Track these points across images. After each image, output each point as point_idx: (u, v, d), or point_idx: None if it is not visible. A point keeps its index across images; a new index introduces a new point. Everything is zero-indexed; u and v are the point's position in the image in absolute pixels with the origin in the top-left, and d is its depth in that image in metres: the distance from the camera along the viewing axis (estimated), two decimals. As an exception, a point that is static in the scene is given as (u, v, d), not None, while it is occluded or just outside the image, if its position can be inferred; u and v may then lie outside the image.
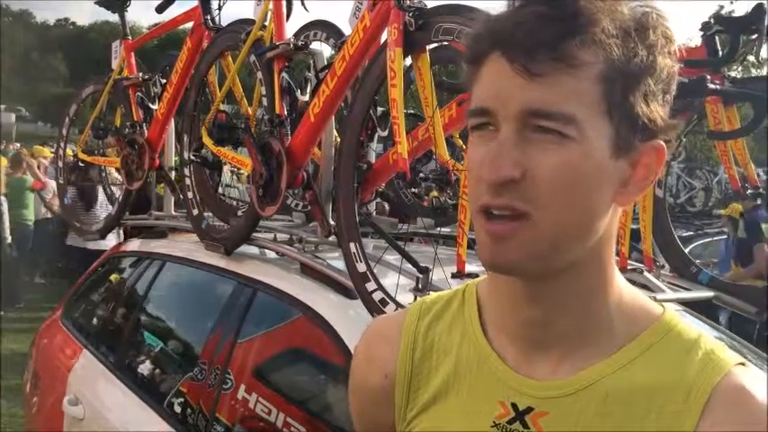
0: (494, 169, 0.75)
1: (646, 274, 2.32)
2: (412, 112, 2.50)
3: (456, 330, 0.91)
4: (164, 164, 3.43)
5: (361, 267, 2.02)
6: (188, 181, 2.93)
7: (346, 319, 2.02)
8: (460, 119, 2.24)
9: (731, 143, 2.38)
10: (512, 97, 0.75)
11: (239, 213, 3.00)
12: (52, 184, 8.12)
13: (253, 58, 2.60)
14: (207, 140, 2.79)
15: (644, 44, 0.76)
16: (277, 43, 2.50)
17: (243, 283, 2.42)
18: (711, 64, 2.28)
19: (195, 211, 2.87)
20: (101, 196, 6.15)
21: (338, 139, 2.52)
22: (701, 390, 0.78)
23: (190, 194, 2.91)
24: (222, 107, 2.87)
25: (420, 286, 1.90)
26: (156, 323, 2.98)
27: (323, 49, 2.89)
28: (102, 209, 6.10)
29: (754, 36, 2.24)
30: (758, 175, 2.45)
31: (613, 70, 0.75)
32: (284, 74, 2.46)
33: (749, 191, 2.41)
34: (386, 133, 2.40)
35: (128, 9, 3.69)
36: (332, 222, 2.35)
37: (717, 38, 2.32)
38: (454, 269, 1.93)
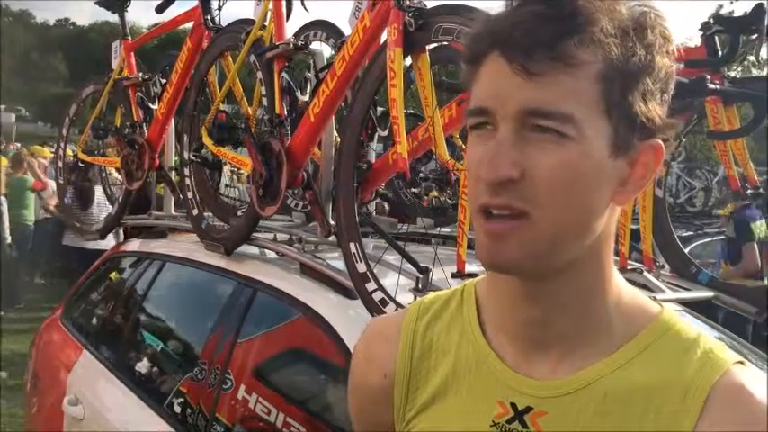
0: (492, 169, 0.75)
1: (645, 274, 2.32)
2: (412, 111, 2.50)
3: (455, 330, 0.91)
4: (164, 164, 3.43)
5: (361, 267, 2.02)
6: (188, 181, 2.93)
7: (346, 319, 2.02)
8: (460, 119, 2.24)
9: (731, 143, 2.38)
10: (510, 97, 0.75)
11: (239, 213, 3.00)
12: (52, 185, 8.13)
13: (253, 58, 2.60)
14: (207, 140, 2.80)
15: (642, 44, 0.76)
16: (277, 43, 2.50)
17: (243, 283, 2.42)
18: (711, 64, 2.28)
19: (195, 212, 2.87)
20: (97, 196, 6.15)
21: (338, 139, 2.52)
22: (699, 389, 0.78)
23: (190, 194, 2.91)
24: (222, 107, 2.87)
25: (420, 286, 1.90)
26: (155, 323, 2.98)
27: (323, 49, 2.89)
28: (99, 209, 6.11)
29: (754, 36, 2.24)
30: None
31: (612, 70, 0.75)
32: (284, 74, 2.46)
33: (749, 191, 2.41)
34: (386, 133, 2.40)
35: (128, 9, 3.69)
36: (332, 222, 2.36)
37: (716, 38, 2.32)
38: (454, 269, 1.94)
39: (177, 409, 2.41)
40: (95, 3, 3.71)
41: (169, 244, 3.21)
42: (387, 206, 4.99)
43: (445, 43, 1.97)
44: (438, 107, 2.02)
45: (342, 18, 2.62)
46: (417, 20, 1.93)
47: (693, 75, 2.13)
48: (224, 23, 2.96)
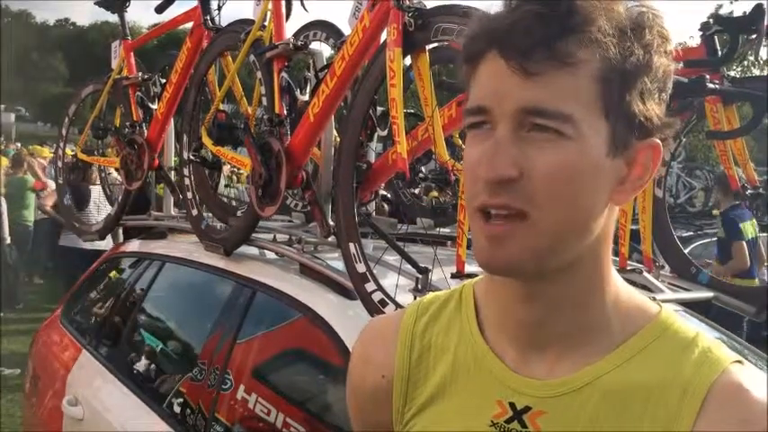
0: (491, 168, 0.75)
1: (645, 274, 2.32)
2: (411, 111, 2.50)
3: (453, 330, 0.91)
4: (163, 164, 3.43)
5: (361, 268, 2.02)
6: (187, 181, 2.92)
7: (346, 319, 2.02)
8: (460, 119, 2.24)
9: (730, 143, 2.38)
10: (508, 95, 0.75)
11: (238, 214, 2.99)
12: (51, 185, 8.13)
13: (252, 57, 2.60)
14: (206, 140, 2.79)
15: (640, 43, 0.76)
16: (276, 43, 2.50)
17: (242, 284, 2.42)
18: (711, 64, 2.28)
19: (194, 212, 2.87)
20: (94, 196, 6.18)
21: (338, 139, 2.52)
22: (697, 388, 0.78)
23: (189, 195, 2.91)
24: (222, 107, 2.87)
25: (419, 287, 1.90)
26: (155, 323, 2.98)
27: (322, 49, 2.90)
28: (98, 209, 6.13)
29: (754, 36, 2.24)
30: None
31: (610, 69, 0.75)
32: (284, 74, 2.46)
33: (748, 191, 2.41)
34: (385, 133, 2.40)
35: (127, 9, 3.69)
36: (331, 223, 2.35)
37: (716, 38, 2.31)
38: (454, 269, 1.93)
39: (177, 409, 2.41)
40: (95, 3, 3.71)
41: (169, 244, 3.21)
42: (386, 206, 5.00)
43: (445, 43, 1.97)
44: (438, 107, 2.02)
45: (341, 18, 2.62)
46: (417, 20, 1.93)
47: (693, 74, 2.13)
48: (224, 23, 2.96)
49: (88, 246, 5.08)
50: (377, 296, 1.94)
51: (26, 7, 71.24)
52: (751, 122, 2.25)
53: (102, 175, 4.61)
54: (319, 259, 2.28)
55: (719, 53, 2.30)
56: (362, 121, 2.19)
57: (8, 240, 8.10)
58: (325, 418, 2.03)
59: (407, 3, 1.95)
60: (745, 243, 5.40)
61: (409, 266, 1.96)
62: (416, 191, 3.45)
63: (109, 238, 3.94)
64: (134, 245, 3.43)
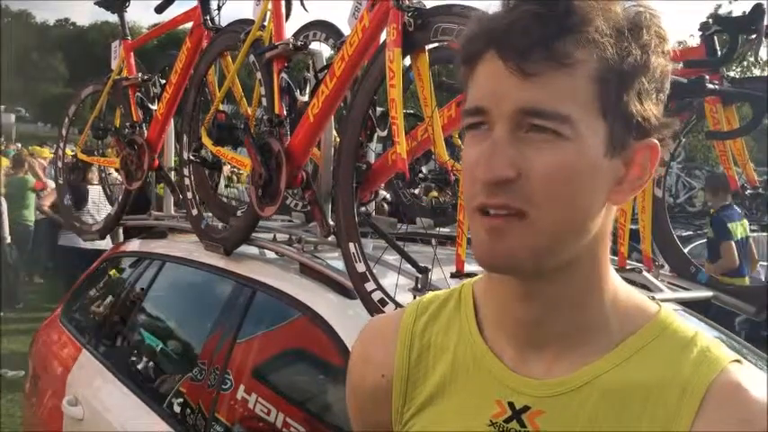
0: (489, 169, 0.76)
1: (645, 273, 2.32)
2: (411, 112, 2.50)
3: (452, 330, 0.91)
4: (163, 164, 3.43)
5: (361, 267, 2.02)
6: (187, 181, 2.93)
7: (345, 319, 2.02)
8: (459, 119, 2.23)
9: (730, 143, 2.38)
10: (506, 96, 0.76)
11: (238, 213, 3.00)
12: (51, 185, 8.14)
13: (252, 58, 2.60)
14: (206, 140, 2.80)
15: (637, 43, 0.76)
16: (276, 43, 2.50)
17: (242, 284, 2.42)
18: (710, 64, 2.28)
19: (194, 212, 2.87)
20: (92, 196, 6.20)
21: (337, 140, 2.52)
22: (696, 388, 0.78)
23: (189, 195, 2.91)
24: (222, 107, 2.87)
25: (419, 286, 1.90)
26: (155, 323, 2.98)
27: (322, 49, 2.89)
28: (95, 208, 6.15)
29: (753, 36, 2.24)
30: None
31: (607, 69, 0.75)
32: (283, 74, 2.46)
33: (748, 191, 2.41)
34: (385, 133, 2.41)
35: (127, 9, 3.69)
36: (331, 222, 2.36)
37: (716, 38, 2.32)
38: (453, 269, 1.94)
39: (177, 409, 2.42)
40: (95, 3, 3.71)
41: (169, 244, 3.21)
42: (386, 206, 5.00)
43: (444, 43, 1.97)
44: (437, 107, 2.02)
45: (341, 18, 2.62)
46: (416, 20, 1.93)
47: (692, 75, 2.13)
48: (223, 23, 2.96)
49: (88, 245, 5.09)
50: (377, 296, 1.94)
51: (26, 7, 71.31)
52: (750, 123, 2.25)
53: (103, 175, 4.61)
54: (319, 259, 2.28)
55: (719, 53, 2.30)
56: (362, 121, 2.19)
57: (8, 240, 8.11)
58: (325, 418, 2.03)
59: (407, 3, 1.95)
60: (733, 242, 5.45)
61: (409, 266, 1.96)
62: (416, 191, 3.46)
63: (108, 237, 3.94)
64: (134, 244, 3.43)
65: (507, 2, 0.77)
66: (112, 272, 3.45)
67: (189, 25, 3.16)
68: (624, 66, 0.76)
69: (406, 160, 1.92)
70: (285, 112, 2.43)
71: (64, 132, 4.12)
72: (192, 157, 2.90)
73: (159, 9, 3.36)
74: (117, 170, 3.70)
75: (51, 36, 67.85)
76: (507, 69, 0.75)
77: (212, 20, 3.00)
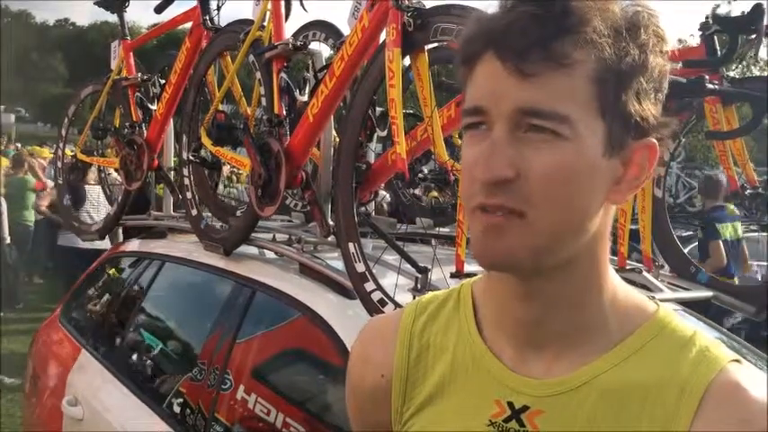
0: (487, 169, 0.76)
1: (645, 274, 2.32)
2: (411, 112, 2.50)
3: (452, 330, 0.91)
4: (162, 164, 3.43)
5: (360, 267, 2.02)
6: (187, 181, 2.93)
7: (345, 319, 2.02)
8: (459, 119, 2.23)
9: (730, 143, 2.37)
10: (505, 96, 0.76)
11: (238, 214, 3.00)
12: (51, 185, 8.14)
13: (251, 58, 2.60)
14: (206, 141, 2.80)
15: (635, 43, 0.77)
16: (276, 43, 2.50)
17: (242, 284, 2.42)
18: (710, 64, 2.27)
19: (194, 212, 2.87)
20: (93, 196, 6.21)
21: (337, 140, 2.52)
22: (695, 387, 0.78)
23: (189, 195, 2.91)
24: (221, 107, 2.87)
25: (419, 286, 1.90)
26: (155, 323, 2.98)
27: (321, 49, 2.90)
28: (93, 208, 6.16)
29: (753, 36, 2.24)
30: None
31: (605, 69, 0.75)
32: (283, 74, 2.46)
33: (748, 191, 2.41)
34: (384, 133, 2.41)
35: (127, 9, 3.69)
36: (331, 222, 2.35)
37: (715, 38, 2.31)
38: (453, 269, 1.93)
39: (176, 409, 2.41)
40: (95, 3, 3.71)
41: (168, 244, 3.21)
42: (385, 206, 5.00)
43: (444, 43, 1.97)
44: (437, 107, 2.02)
45: (341, 18, 2.62)
46: (416, 20, 1.93)
47: (692, 75, 2.13)
48: (223, 23, 2.96)
49: (87, 245, 5.09)
50: (376, 296, 1.94)
51: (26, 7, 71.25)
52: (750, 123, 2.25)
53: (102, 175, 4.61)
54: (319, 259, 2.28)
55: (719, 53, 2.30)
56: (362, 121, 2.19)
57: (8, 240, 8.11)
58: (324, 418, 2.03)
59: (406, 3, 1.95)
60: (721, 242, 5.54)
61: (408, 266, 1.96)
62: (416, 191, 3.45)
63: (107, 237, 3.94)
64: (134, 244, 3.43)
65: (505, 2, 0.77)
66: (112, 272, 3.45)
67: (188, 25, 3.16)
68: (622, 66, 0.76)
69: (406, 160, 1.92)
70: (284, 112, 2.43)
71: (63, 132, 4.12)
72: (191, 158, 2.90)
73: (159, 9, 3.36)
74: (116, 170, 3.70)
75: (51, 36, 67.85)
76: (506, 70, 0.75)
77: (212, 20, 3.00)
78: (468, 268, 1.90)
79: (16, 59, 49.62)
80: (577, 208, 0.78)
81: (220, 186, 3.87)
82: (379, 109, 2.36)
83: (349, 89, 2.30)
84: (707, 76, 2.09)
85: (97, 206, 6.25)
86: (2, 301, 7.57)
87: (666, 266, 2.56)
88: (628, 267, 2.33)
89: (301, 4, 2.64)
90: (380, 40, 2.08)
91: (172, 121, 3.37)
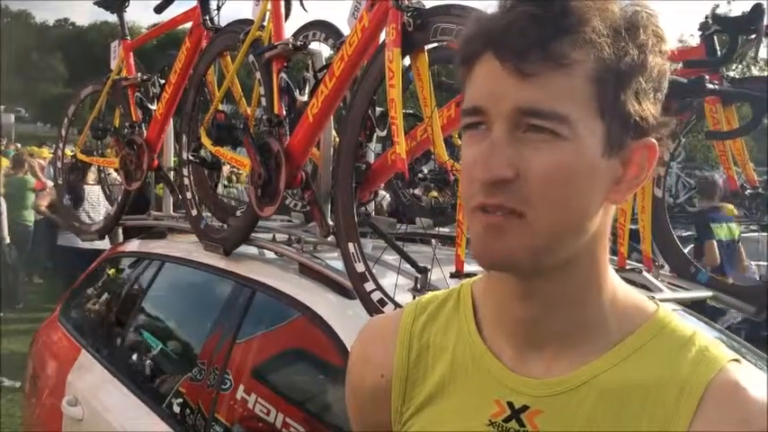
0: (487, 169, 0.76)
1: (645, 274, 2.32)
2: (410, 112, 2.50)
3: (451, 330, 0.91)
4: (162, 164, 3.43)
5: (360, 267, 2.02)
6: (186, 181, 2.93)
7: (345, 319, 2.02)
8: (459, 119, 2.23)
9: (730, 143, 2.37)
10: (504, 96, 0.76)
11: (238, 214, 3.00)
12: (49, 185, 8.14)
13: (251, 58, 2.60)
14: (205, 141, 2.80)
15: (634, 43, 0.77)
16: (275, 43, 2.50)
17: (241, 284, 2.42)
18: (710, 64, 2.27)
19: (194, 212, 2.87)
20: (92, 197, 6.21)
21: (337, 140, 2.52)
22: (694, 387, 0.78)
23: (188, 195, 2.91)
24: (221, 107, 2.87)
25: (419, 286, 1.90)
26: (155, 323, 2.98)
27: (321, 49, 2.90)
28: (92, 208, 6.16)
29: (753, 36, 2.24)
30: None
31: (604, 69, 0.75)
32: (283, 74, 2.46)
33: (748, 191, 2.41)
34: (384, 133, 2.41)
35: (126, 9, 3.69)
36: (330, 222, 2.35)
37: (715, 38, 2.31)
38: (453, 269, 1.93)
39: (176, 409, 2.41)
40: (94, 3, 3.71)
41: (168, 244, 3.21)
42: (385, 206, 5.00)
43: (444, 43, 1.97)
44: (437, 107, 2.02)
45: (341, 18, 2.62)
46: (416, 20, 1.93)
47: (692, 75, 2.13)
48: (223, 23, 2.96)
49: (86, 245, 5.09)
50: (376, 296, 1.94)
51: (26, 7, 71.22)
52: (750, 123, 2.25)
53: (102, 175, 4.61)
54: (318, 259, 2.28)
55: (719, 53, 2.30)
56: (361, 121, 2.19)
57: (8, 240, 8.11)
58: (324, 418, 2.03)
59: (406, 3, 1.95)
60: (714, 242, 5.60)
61: (408, 266, 1.96)
62: (416, 191, 3.45)
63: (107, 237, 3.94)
64: (133, 245, 3.43)
65: (505, 2, 0.77)
66: (112, 272, 3.45)
67: (188, 25, 3.16)
68: (621, 66, 0.76)
69: (406, 160, 1.92)
70: (284, 112, 2.43)
71: (63, 132, 4.12)
72: (191, 158, 2.90)
73: (159, 9, 3.36)
74: (116, 170, 3.70)
75: (51, 36, 67.83)
76: (505, 70, 0.75)
77: (212, 20, 3.00)
78: (467, 268, 1.90)
79: (16, 59, 49.60)
80: (577, 208, 0.78)
81: (220, 186, 3.87)
82: (378, 109, 2.36)
83: (349, 89, 2.30)
84: (707, 76, 2.09)
85: (95, 206, 6.26)
86: (2, 301, 7.57)
87: (666, 266, 2.56)
88: (628, 267, 2.32)
89: (301, 4, 2.64)
90: (380, 40, 2.08)
91: (172, 121, 3.37)
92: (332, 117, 2.46)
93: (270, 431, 2.06)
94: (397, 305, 1.86)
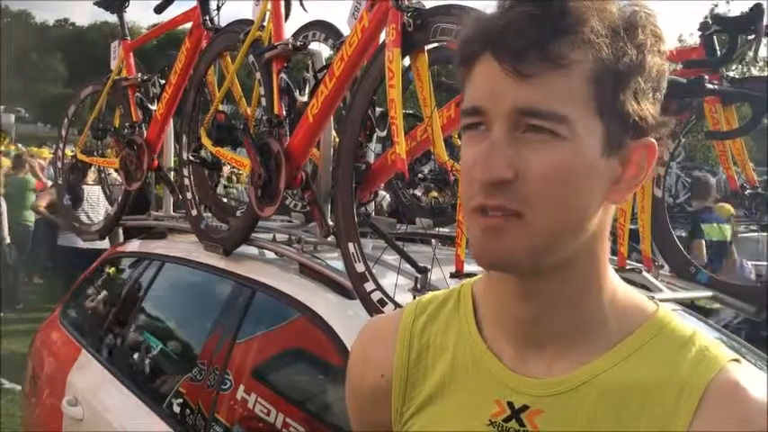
0: (486, 169, 0.76)
1: (645, 273, 2.32)
2: (410, 112, 2.50)
3: (452, 330, 0.92)
4: (162, 164, 3.43)
5: (360, 267, 2.02)
6: (187, 181, 2.93)
7: (345, 319, 2.02)
8: (459, 119, 2.23)
9: (729, 143, 2.38)
10: (503, 96, 0.76)
11: (238, 214, 3.00)
12: (49, 185, 8.15)
13: (251, 58, 2.60)
14: (206, 141, 2.80)
15: (633, 43, 0.77)
16: (275, 44, 2.50)
17: (242, 284, 2.42)
18: (710, 64, 2.28)
19: (194, 212, 2.87)
20: (92, 198, 6.22)
21: (337, 140, 2.52)
22: (694, 387, 0.78)
23: (189, 195, 2.91)
24: (221, 107, 2.87)
25: (419, 286, 1.90)
26: (155, 323, 2.98)
27: (321, 49, 2.89)
28: (91, 208, 6.17)
29: (753, 36, 2.24)
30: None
31: (603, 70, 0.76)
32: (283, 74, 2.46)
33: (747, 191, 2.41)
34: (384, 133, 2.41)
35: (126, 9, 3.69)
36: (330, 223, 2.36)
37: (715, 38, 2.32)
38: (453, 269, 1.94)
39: (176, 409, 2.42)
40: (94, 3, 3.71)
41: (168, 244, 3.21)
42: (385, 206, 5.00)
43: (443, 43, 1.97)
44: (437, 107, 2.02)
45: (340, 18, 2.62)
46: (416, 20, 1.93)
47: (692, 75, 2.13)
48: (223, 24, 2.96)
49: (86, 245, 5.09)
50: (376, 296, 1.94)
51: (26, 7, 71.23)
52: (750, 123, 2.25)
53: (102, 175, 4.61)
54: (319, 259, 2.28)
55: (719, 53, 2.30)
56: (361, 121, 2.19)
57: (8, 240, 8.11)
58: (324, 418, 2.03)
59: (406, 3, 1.95)
60: (703, 241, 5.65)
61: (408, 266, 1.96)
62: (416, 191, 3.46)
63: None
64: (134, 245, 3.43)
65: (503, 3, 0.77)
66: (112, 272, 3.45)
67: (188, 25, 3.16)
68: (620, 66, 0.76)
69: (406, 160, 1.92)
70: (284, 113, 2.43)
71: (63, 133, 4.12)
72: (191, 158, 2.90)
73: (158, 9, 3.36)
74: (116, 170, 3.70)
75: (51, 36, 67.84)
76: (503, 71, 0.75)
77: (211, 20, 3.00)
78: (467, 268, 1.90)
79: (16, 59, 49.60)
80: (576, 208, 0.78)
81: (220, 187, 3.87)
82: (378, 109, 2.36)
83: (349, 89, 2.30)
84: (706, 77, 2.09)
85: (94, 206, 6.26)
86: (2, 302, 7.56)
87: (666, 266, 2.56)
88: (627, 267, 2.33)
89: (301, 4, 2.64)
90: (380, 41, 2.08)
91: (172, 121, 3.37)
92: (332, 117, 2.46)
93: (270, 431, 2.06)
94: (397, 305, 1.86)
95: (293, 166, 2.35)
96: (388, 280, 2.01)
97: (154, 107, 3.34)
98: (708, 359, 0.80)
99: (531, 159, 0.75)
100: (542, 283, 0.82)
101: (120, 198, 3.61)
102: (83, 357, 3.07)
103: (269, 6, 2.59)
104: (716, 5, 15.30)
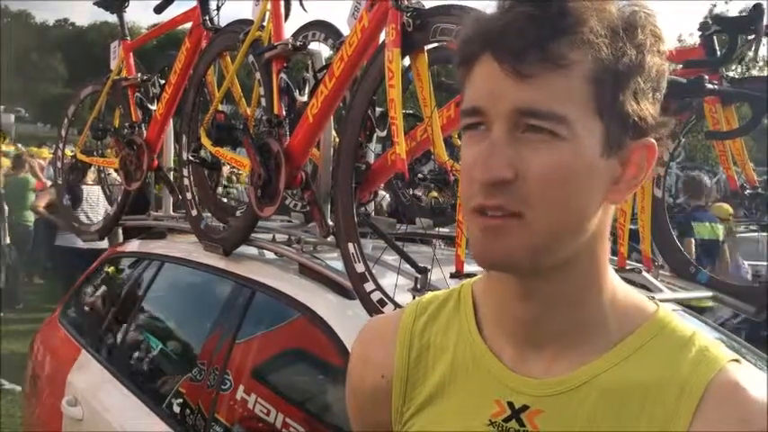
0: (486, 169, 0.76)
1: (645, 274, 2.32)
2: (410, 112, 2.50)
3: (452, 330, 0.92)
4: (162, 164, 3.43)
5: (360, 268, 2.02)
6: (186, 181, 2.93)
7: (345, 319, 2.02)
8: (459, 119, 2.23)
9: (729, 143, 2.38)
10: (503, 96, 0.76)
11: (238, 214, 3.00)
12: (49, 185, 8.15)
13: (251, 58, 2.60)
14: (205, 141, 2.80)
15: (632, 43, 0.77)
16: (275, 44, 2.50)
17: (241, 284, 2.42)
18: (710, 64, 2.28)
19: (194, 212, 2.87)
20: (92, 198, 6.22)
21: (337, 140, 2.52)
22: (694, 387, 0.78)
23: (188, 195, 2.91)
24: (221, 107, 2.87)
25: (419, 286, 1.90)
26: (155, 324, 2.98)
27: (321, 49, 2.89)
28: (90, 208, 6.17)
29: (753, 36, 2.24)
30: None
31: (602, 70, 0.76)
32: (283, 74, 2.46)
33: (747, 191, 2.41)
34: (384, 133, 2.41)
35: (126, 9, 3.69)
36: (330, 223, 2.35)
37: (715, 38, 2.32)
38: (453, 269, 1.94)
39: (176, 409, 2.42)
40: (94, 3, 3.71)
41: (168, 244, 3.21)
42: (385, 206, 5.00)
43: (443, 43, 1.97)
44: (436, 107, 2.02)
45: (340, 18, 2.62)
46: (415, 20, 1.93)
47: (692, 75, 2.13)
48: (222, 24, 2.96)
49: (86, 245, 5.09)
50: (376, 296, 1.94)
51: (26, 7, 71.25)
52: (750, 123, 2.25)
53: (102, 175, 4.61)
54: (318, 259, 2.28)
55: (718, 53, 2.30)
56: (361, 121, 2.19)
57: (8, 241, 8.10)
58: (324, 418, 2.03)
59: (406, 3, 1.95)
60: (693, 240, 5.68)
61: (408, 266, 1.96)
62: (416, 191, 3.45)
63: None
64: (133, 245, 3.43)
65: (503, 3, 0.77)
66: (111, 272, 3.45)
67: (188, 25, 3.16)
68: (619, 66, 0.76)
69: (406, 160, 1.92)
70: (284, 113, 2.43)
71: (63, 133, 4.12)
72: (191, 158, 2.90)
73: (158, 9, 3.36)
74: (116, 170, 3.70)
75: (51, 36, 67.85)
76: (503, 71, 0.75)
77: (211, 20, 3.00)
78: (467, 268, 1.90)
79: (16, 59, 49.60)
80: (575, 208, 0.78)
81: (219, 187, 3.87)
82: (378, 109, 2.36)
83: (349, 89, 2.30)
84: (706, 77, 2.09)
85: (94, 206, 6.26)
86: (2, 302, 7.56)
87: (666, 266, 2.56)
88: (627, 267, 2.33)
89: (301, 4, 2.64)
90: (380, 41, 2.08)
91: (171, 121, 3.37)
92: (332, 117, 2.46)
93: (270, 431, 2.06)
94: (396, 305, 1.86)
95: (293, 166, 2.35)
96: (388, 280, 2.01)
97: (153, 107, 3.34)
98: (708, 359, 0.80)
99: (531, 159, 0.75)
100: (542, 283, 0.82)
101: (119, 198, 3.61)
102: (82, 357, 3.06)
103: (269, 6, 2.59)
104: (714, 5, 15.32)
